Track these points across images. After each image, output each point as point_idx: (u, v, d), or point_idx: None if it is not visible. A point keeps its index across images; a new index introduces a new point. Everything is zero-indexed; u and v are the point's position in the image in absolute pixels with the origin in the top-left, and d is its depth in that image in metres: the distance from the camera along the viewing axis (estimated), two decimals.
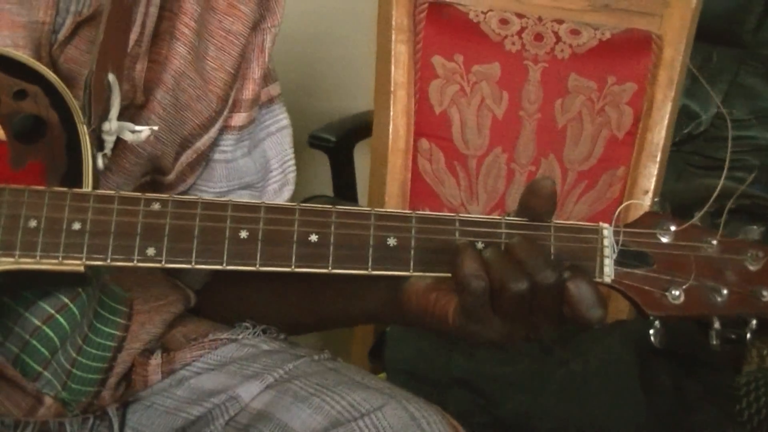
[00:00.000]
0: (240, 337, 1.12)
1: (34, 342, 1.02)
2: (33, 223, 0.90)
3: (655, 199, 0.97)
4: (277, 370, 1.07)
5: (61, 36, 1.01)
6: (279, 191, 1.19)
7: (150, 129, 1.00)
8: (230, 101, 1.12)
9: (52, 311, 1.02)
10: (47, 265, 0.91)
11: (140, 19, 1.05)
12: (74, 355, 1.04)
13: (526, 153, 1.69)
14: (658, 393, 1.44)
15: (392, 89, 1.65)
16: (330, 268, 0.92)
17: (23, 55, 0.95)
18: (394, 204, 1.64)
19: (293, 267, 0.92)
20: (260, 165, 1.18)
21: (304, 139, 2.11)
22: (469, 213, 1.66)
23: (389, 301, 1.01)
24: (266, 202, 0.93)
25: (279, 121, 1.21)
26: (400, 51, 1.66)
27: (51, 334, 1.02)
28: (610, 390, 1.43)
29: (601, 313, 0.91)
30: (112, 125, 0.97)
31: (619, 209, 0.96)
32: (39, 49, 1.00)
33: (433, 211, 1.66)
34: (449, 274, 0.93)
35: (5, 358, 1.01)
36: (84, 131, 0.94)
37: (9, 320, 1.00)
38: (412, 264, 0.93)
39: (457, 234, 0.93)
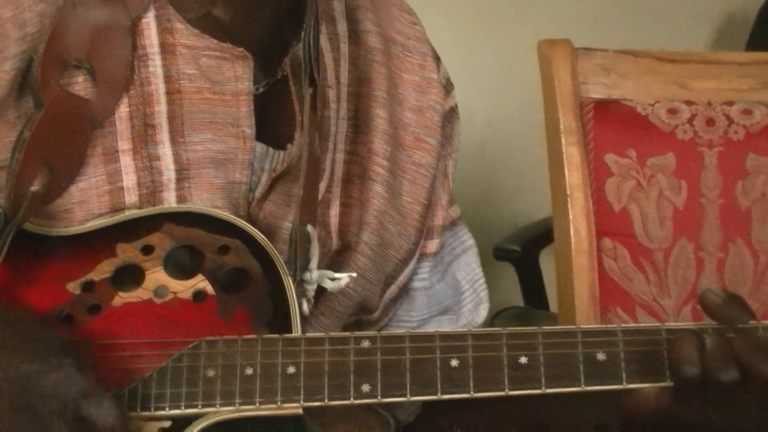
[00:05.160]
0: None
1: None
2: (249, 371, 0.94)
3: None
4: None
5: (258, 193, 1.05)
6: (474, 311, 1.20)
7: (348, 276, 1.03)
8: (424, 230, 1.15)
9: None
10: (267, 410, 0.94)
11: (329, 167, 1.09)
12: None
13: (713, 240, 1.67)
14: None
15: (569, 192, 1.65)
16: (543, 388, 0.93)
17: (224, 213, 1.00)
18: (584, 307, 1.63)
19: (507, 391, 0.93)
20: (452, 288, 1.20)
21: (489, 252, 2.13)
22: (662, 307, 1.65)
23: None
24: (472, 329, 0.96)
25: (464, 242, 1.23)
26: (572, 153, 1.66)
27: None
28: None
29: None
30: (313, 275, 1.01)
31: None
32: (237, 207, 1.04)
33: (625, 309, 1.66)
34: (666, 383, 0.93)
35: None
36: (289, 283, 0.97)
37: None
38: (624, 376, 0.94)
39: (663, 343, 0.94)
